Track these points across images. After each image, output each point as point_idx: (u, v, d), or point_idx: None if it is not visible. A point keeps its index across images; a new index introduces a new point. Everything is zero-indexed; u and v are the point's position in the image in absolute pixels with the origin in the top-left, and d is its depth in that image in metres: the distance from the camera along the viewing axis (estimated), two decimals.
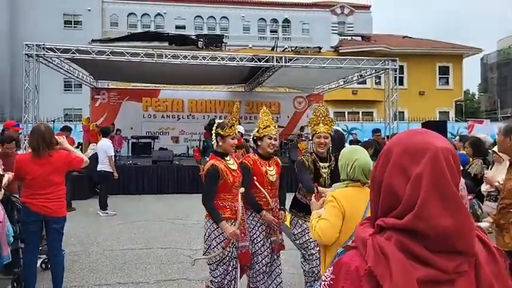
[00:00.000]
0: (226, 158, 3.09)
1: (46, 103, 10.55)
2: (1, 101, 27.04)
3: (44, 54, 9.99)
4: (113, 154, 8.04)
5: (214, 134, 3.08)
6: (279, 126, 14.96)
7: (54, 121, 11.89)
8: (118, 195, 9.22)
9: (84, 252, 5.18)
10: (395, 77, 11.56)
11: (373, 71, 12.50)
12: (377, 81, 22.65)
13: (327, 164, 3.28)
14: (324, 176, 3.24)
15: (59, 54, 10.18)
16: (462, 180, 3.28)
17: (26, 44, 9.88)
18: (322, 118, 3.25)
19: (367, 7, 32.96)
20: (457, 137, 7.78)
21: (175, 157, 11.63)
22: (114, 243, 5.59)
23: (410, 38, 27.76)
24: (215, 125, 3.12)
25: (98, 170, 7.68)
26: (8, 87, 27.52)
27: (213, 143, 3.15)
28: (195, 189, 9.91)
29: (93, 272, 4.45)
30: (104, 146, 7.78)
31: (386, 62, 11.52)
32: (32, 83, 9.85)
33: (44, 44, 9.91)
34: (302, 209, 3.30)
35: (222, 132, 3.04)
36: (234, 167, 3.11)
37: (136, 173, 10.05)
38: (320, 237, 2.10)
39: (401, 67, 12.48)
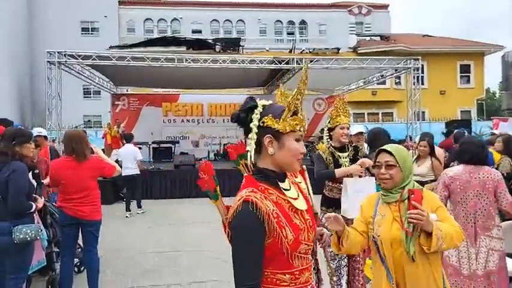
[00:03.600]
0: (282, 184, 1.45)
1: (66, 110, 10.71)
2: (23, 109, 27.77)
3: (65, 61, 10.15)
4: (141, 158, 8.54)
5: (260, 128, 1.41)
6: None
7: (77, 127, 12.12)
8: (143, 200, 9.31)
9: (115, 255, 5.22)
10: (417, 76, 11.35)
11: (394, 71, 12.29)
12: (397, 81, 22.32)
13: (345, 154, 3.31)
14: (346, 165, 3.26)
15: (80, 61, 10.33)
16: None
17: (47, 52, 10.01)
18: (342, 110, 3.31)
19: (385, 6, 32.53)
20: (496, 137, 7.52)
21: (197, 161, 11.65)
22: (143, 247, 5.62)
23: (431, 36, 27.24)
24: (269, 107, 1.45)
25: (127, 174, 7.85)
26: (28, 95, 28.26)
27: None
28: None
29: (125, 276, 4.47)
30: (132, 151, 8.29)
31: (408, 61, 11.30)
32: (55, 90, 10.01)
33: (65, 51, 10.06)
34: (331, 204, 3.26)
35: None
36: (300, 203, 1.45)
37: (159, 177, 10.12)
38: (458, 242, 1.91)
39: (422, 66, 12.21)
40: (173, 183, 10.09)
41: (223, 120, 15.22)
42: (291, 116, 1.40)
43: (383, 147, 2.06)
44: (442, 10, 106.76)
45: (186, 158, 11.22)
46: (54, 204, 3.97)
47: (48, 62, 9.92)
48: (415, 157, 5.42)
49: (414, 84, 11.33)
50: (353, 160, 3.28)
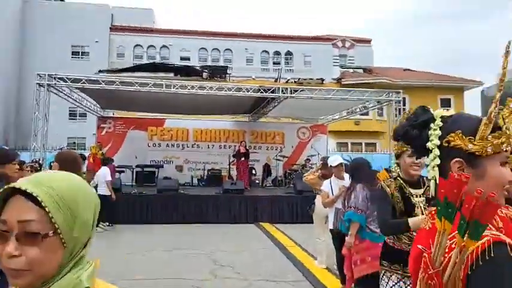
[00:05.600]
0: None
1: (50, 131, 10.67)
2: (6, 130, 27.30)
3: (55, 84, 10.22)
4: (110, 179, 9.03)
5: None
6: (283, 156, 15.28)
7: (61, 149, 11.96)
8: (123, 224, 9.15)
9: None
10: (399, 109, 11.73)
11: (377, 103, 12.69)
12: (379, 112, 22.93)
13: (420, 191, 2.43)
14: (419, 206, 2.39)
15: (70, 83, 10.42)
16: None
17: (38, 74, 10.12)
18: None
19: (368, 41, 33.87)
20: None
21: (180, 186, 11.57)
22: (124, 273, 5.48)
23: (411, 70, 28.33)
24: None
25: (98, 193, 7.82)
26: (13, 117, 27.88)
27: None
28: (199, 219, 9.88)
29: None
30: (103, 173, 8.89)
31: (390, 94, 11.72)
32: (42, 112, 10.01)
33: (55, 74, 10.17)
34: (396, 259, 2.36)
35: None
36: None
37: (141, 202, 9.99)
38: None
39: (403, 99, 12.70)
40: (155, 208, 9.95)
41: (208, 145, 15.29)
42: (493, 132, 0.96)
43: None
44: (423, 44, 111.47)
45: (170, 182, 11.13)
46: None
47: (38, 84, 9.95)
48: None
49: (396, 116, 11.69)
50: (429, 200, 2.36)
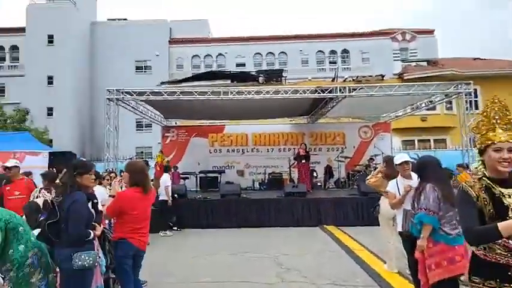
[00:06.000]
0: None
1: (120, 142, 11.46)
2: (83, 142, 29.93)
3: (122, 98, 10.98)
4: (169, 185, 9.44)
5: None
6: (345, 157, 14.86)
7: (131, 159, 12.80)
8: (190, 229, 9.51)
9: (161, 284, 5.31)
10: (469, 101, 10.85)
11: (444, 96, 11.86)
12: (448, 106, 21.41)
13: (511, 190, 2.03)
14: None
15: (136, 97, 11.12)
16: None
17: (107, 90, 10.93)
18: (499, 119, 2.09)
19: (431, 31, 31.84)
20: None
21: (242, 190, 11.76)
22: (189, 276, 5.66)
23: (482, 59, 26.08)
24: None
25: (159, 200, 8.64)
26: (88, 132, 30.51)
27: None
28: (262, 223, 9.92)
29: None
30: (163, 180, 9.31)
31: (459, 86, 10.90)
32: (113, 125, 10.79)
33: (123, 89, 10.92)
34: (490, 273, 1.98)
35: None
36: None
37: (205, 207, 10.30)
38: None
39: (474, 90, 11.74)
40: (219, 212, 10.20)
41: (267, 149, 15.36)
42: None
43: None
44: (492, 33, 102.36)
45: (232, 187, 11.36)
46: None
47: (108, 99, 10.75)
48: None
49: (467, 109, 10.83)
50: None
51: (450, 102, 18.66)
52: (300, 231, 9.21)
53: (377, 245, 6.57)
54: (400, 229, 4.50)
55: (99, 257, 3.40)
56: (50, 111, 28.73)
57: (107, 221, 4.56)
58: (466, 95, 10.80)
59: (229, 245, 7.85)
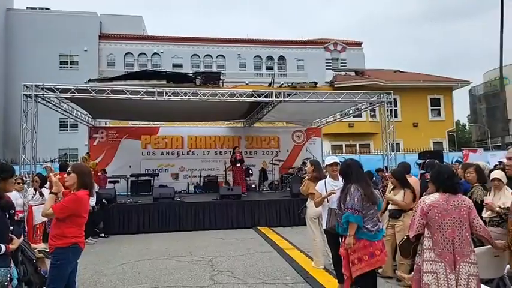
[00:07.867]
0: None
1: (41, 143, 10.47)
2: None
3: (42, 94, 10.00)
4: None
5: None
6: (279, 160, 15.28)
7: (52, 161, 11.83)
8: (119, 235, 9.09)
9: None
10: (390, 109, 11.82)
11: (369, 104, 12.77)
12: (372, 114, 23.11)
13: None
14: None
15: (58, 94, 10.20)
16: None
17: (24, 85, 9.84)
18: None
19: (359, 44, 34.18)
20: (459, 165, 7.84)
21: (176, 194, 11.53)
22: (119, 284, 5.43)
23: (402, 72, 28.64)
24: None
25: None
26: (1, 130, 27.55)
27: None
28: (197, 226, 9.84)
29: None
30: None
31: (382, 95, 11.80)
32: (30, 124, 9.81)
33: (42, 84, 9.91)
34: None
35: None
36: None
37: (137, 211, 9.91)
38: None
39: (394, 100, 12.84)
40: (151, 216, 9.87)
41: (203, 152, 15.26)
42: None
43: None
44: (413, 47, 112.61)
45: (166, 190, 11.06)
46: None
47: (25, 95, 9.79)
48: (391, 187, 5.58)
49: (388, 117, 11.77)
50: None
51: (374, 110, 20.15)
52: (235, 233, 9.30)
53: (306, 244, 6.90)
54: (324, 226, 4.79)
55: (10, 274, 3.17)
56: None
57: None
58: (387, 104, 11.74)
59: (162, 250, 7.65)
